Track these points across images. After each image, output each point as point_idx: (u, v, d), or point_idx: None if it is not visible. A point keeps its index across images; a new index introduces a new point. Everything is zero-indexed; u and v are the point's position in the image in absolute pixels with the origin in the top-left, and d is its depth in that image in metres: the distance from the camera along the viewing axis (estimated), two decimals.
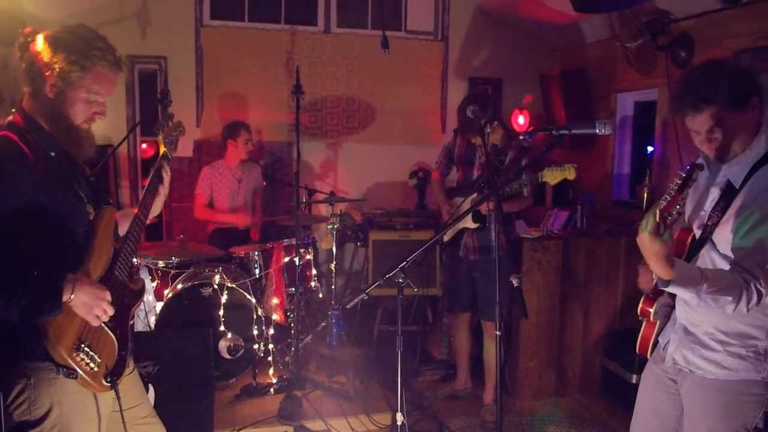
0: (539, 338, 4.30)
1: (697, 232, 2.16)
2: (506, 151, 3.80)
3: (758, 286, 1.91)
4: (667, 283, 1.91)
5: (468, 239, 3.93)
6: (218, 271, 4.17)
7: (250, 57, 5.63)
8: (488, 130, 3.51)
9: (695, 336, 2.18)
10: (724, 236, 2.04)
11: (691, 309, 2.18)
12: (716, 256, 2.08)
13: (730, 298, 1.91)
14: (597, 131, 2.20)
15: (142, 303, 4.05)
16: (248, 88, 5.68)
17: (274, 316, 4.33)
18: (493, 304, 2.57)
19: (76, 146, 1.99)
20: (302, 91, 4.31)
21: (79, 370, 1.86)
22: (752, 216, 1.94)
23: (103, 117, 2.04)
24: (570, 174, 3.34)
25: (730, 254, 2.02)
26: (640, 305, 2.22)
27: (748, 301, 1.92)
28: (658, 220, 1.85)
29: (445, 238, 4.05)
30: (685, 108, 2.05)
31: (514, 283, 2.64)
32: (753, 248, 1.93)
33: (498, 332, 2.59)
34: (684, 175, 1.89)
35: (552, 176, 3.40)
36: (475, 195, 3.76)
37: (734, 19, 4.17)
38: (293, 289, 4.39)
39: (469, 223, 3.86)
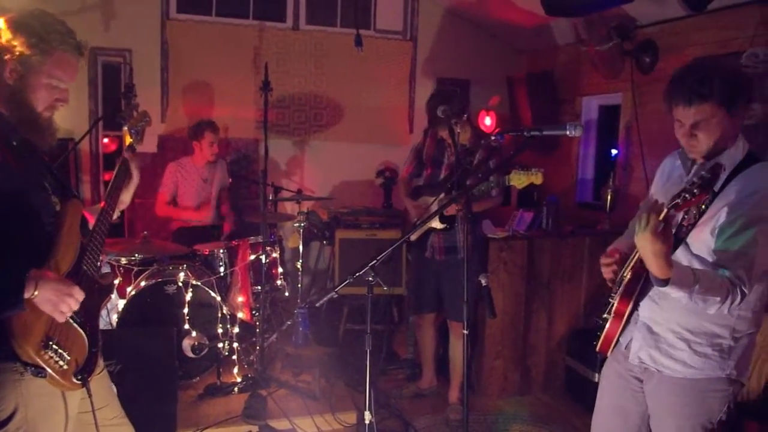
0: (504, 337, 4.33)
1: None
2: (475, 151, 3.82)
3: (743, 288, 1.94)
4: (664, 282, 1.91)
5: (434, 239, 3.94)
6: (182, 269, 4.11)
7: (217, 52, 5.56)
8: (458, 130, 3.52)
9: (659, 335, 2.21)
10: (701, 238, 2.06)
11: (658, 308, 2.20)
12: (692, 258, 2.10)
13: (718, 299, 1.94)
14: (567, 133, 2.21)
15: None
16: (215, 83, 5.61)
17: (240, 315, 4.28)
18: (460, 304, 2.57)
19: (38, 135, 1.93)
20: (270, 87, 4.28)
21: (47, 368, 1.80)
22: (737, 221, 1.96)
23: (66, 104, 1.98)
24: (537, 179, 3.35)
25: (706, 256, 2.04)
26: (615, 305, 2.21)
27: (732, 302, 1.95)
28: (662, 218, 1.84)
29: (413, 238, 4.04)
30: (678, 99, 2.06)
31: (483, 282, 2.65)
32: (738, 252, 1.96)
33: (465, 331, 2.60)
34: (706, 175, 1.82)
35: (519, 180, 3.42)
36: (442, 195, 3.76)
37: (697, 27, 4.27)
38: (259, 287, 4.36)
39: (436, 223, 3.87)
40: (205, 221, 4.93)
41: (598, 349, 2.37)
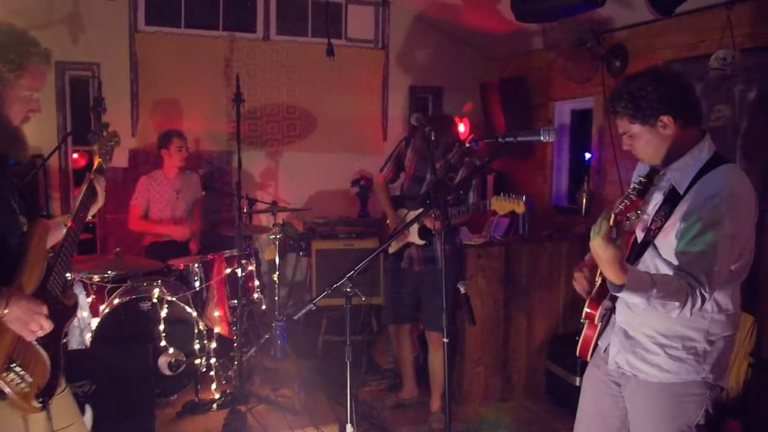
0: (484, 344, 4.35)
1: (640, 235, 2.20)
2: (458, 168, 3.81)
3: (703, 291, 1.96)
4: (619, 288, 1.94)
5: (412, 250, 3.94)
6: (157, 285, 4.07)
7: (187, 64, 5.52)
8: (432, 138, 3.52)
9: (635, 339, 2.22)
10: (667, 241, 2.08)
11: (631, 312, 2.22)
12: (659, 261, 2.12)
13: (677, 303, 1.95)
14: (542, 138, 2.24)
15: (77, 319, 3.92)
16: (185, 96, 5.57)
17: (217, 329, 4.25)
18: (439, 313, 2.58)
19: (16, 149, 1.92)
20: (242, 99, 4.26)
21: (8, 390, 1.76)
22: (697, 223, 1.98)
23: (39, 114, 1.98)
24: (519, 207, 3.35)
25: (673, 259, 2.06)
26: (585, 309, 2.24)
27: (693, 306, 1.96)
28: (611, 224, 1.87)
29: (391, 250, 4.04)
30: (607, 112, 2.19)
31: (461, 289, 2.65)
32: (698, 255, 1.97)
33: (446, 339, 2.60)
34: (643, 179, 1.92)
35: (500, 206, 3.42)
36: (421, 211, 3.75)
37: (667, 30, 4.35)
38: (236, 301, 4.33)
39: (415, 239, 3.88)
40: (180, 237, 4.88)
41: (577, 353, 2.39)
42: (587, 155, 5.31)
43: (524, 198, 3.32)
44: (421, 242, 3.86)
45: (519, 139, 2.29)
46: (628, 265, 1.94)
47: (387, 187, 4.14)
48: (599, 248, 1.88)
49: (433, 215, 3.50)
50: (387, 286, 4.22)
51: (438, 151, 3.71)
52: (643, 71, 2.14)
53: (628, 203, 1.90)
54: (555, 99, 5.64)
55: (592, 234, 1.91)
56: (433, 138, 3.35)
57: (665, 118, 2.06)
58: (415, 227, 3.84)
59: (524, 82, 5.88)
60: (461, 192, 3.61)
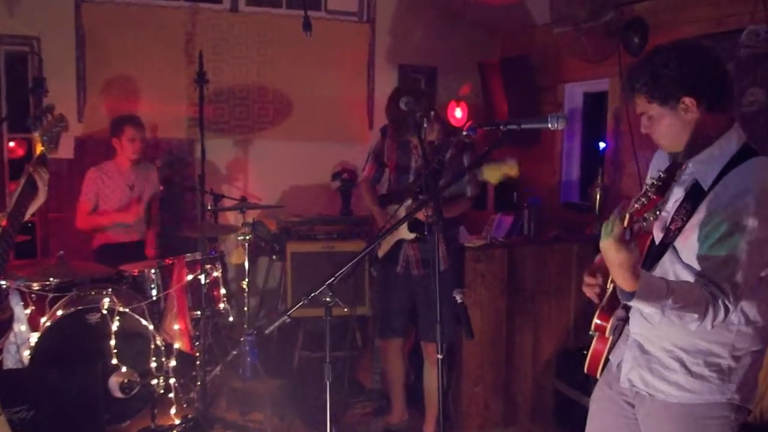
0: (484, 360, 4.35)
1: (658, 236, 2.20)
2: (445, 149, 3.83)
3: (726, 302, 1.95)
4: (630, 296, 1.94)
5: (409, 251, 3.95)
6: (107, 294, 4.05)
7: (142, 39, 5.49)
8: (425, 125, 3.53)
9: (651, 354, 2.23)
10: (689, 244, 2.08)
11: (648, 323, 2.22)
12: (680, 267, 2.12)
13: (696, 315, 1.96)
14: (549, 125, 2.24)
15: (13, 335, 3.88)
16: (140, 75, 5.54)
17: (177, 345, 4.23)
18: (436, 324, 2.58)
19: None
20: (206, 79, 4.24)
21: None
22: (723, 224, 1.98)
23: None
24: (512, 170, 3.39)
25: (696, 264, 2.06)
26: (595, 319, 2.24)
27: (714, 318, 1.96)
28: (626, 224, 1.88)
29: (380, 253, 4.04)
30: (624, 89, 2.19)
31: (458, 298, 2.66)
32: (722, 260, 1.97)
33: (440, 355, 2.60)
34: (663, 174, 1.92)
35: (492, 174, 3.45)
36: (410, 202, 3.77)
37: (691, 3, 4.36)
38: (198, 312, 4.31)
39: (405, 233, 3.88)
40: (132, 220, 4.88)
41: (585, 369, 2.39)
42: (601, 145, 5.33)
43: (515, 160, 3.35)
44: (411, 236, 3.85)
45: (523, 126, 2.29)
46: (641, 271, 1.95)
47: (372, 187, 4.15)
48: (610, 251, 1.90)
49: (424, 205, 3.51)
50: (376, 294, 4.22)
51: (411, 127, 3.70)
52: (668, 45, 2.13)
53: (645, 202, 1.90)
54: (565, 80, 5.65)
55: (602, 234, 1.92)
56: (425, 125, 3.35)
57: (687, 100, 2.06)
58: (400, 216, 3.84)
59: (529, 61, 5.89)
60: (455, 180, 3.62)
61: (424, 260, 3.92)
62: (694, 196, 2.10)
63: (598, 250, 2.43)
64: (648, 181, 2.01)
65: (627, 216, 1.88)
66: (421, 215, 3.66)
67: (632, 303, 1.97)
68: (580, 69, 5.32)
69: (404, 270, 3.97)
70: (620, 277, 1.93)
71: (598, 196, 4.87)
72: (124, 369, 3.98)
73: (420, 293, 3.98)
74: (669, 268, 2.15)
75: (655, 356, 2.22)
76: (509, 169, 3.42)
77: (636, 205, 1.90)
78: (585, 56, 4.97)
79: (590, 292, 2.28)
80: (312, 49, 5.86)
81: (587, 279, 2.28)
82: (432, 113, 3.80)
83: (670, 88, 2.07)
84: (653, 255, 2.19)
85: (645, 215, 1.91)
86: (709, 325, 1.99)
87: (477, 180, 3.92)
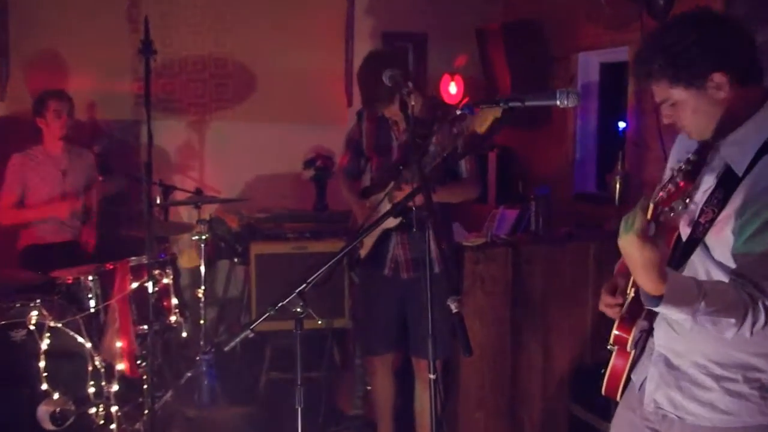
0: (486, 380, 4.35)
1: (685, 232, 2.20)
2: (430, 123, 3.80)
3: (767, 304, 1.95)
4: (656, 300, 1.93)
5: (397, 251, 3.93)
6: (35, 306, 4.01)
7: (76, 2, 5.47)
8: (412, 102, 3.52)
9: (680, 370, 2.22)
10: (722, 239, 2.07)
11: (675, 333, 2.21)
12: (712, 266, 2.12)
13: (733, 320, 1.95)
14: (558, 103, 2.23)
15: None
16: (74, 46, 5.53)
17: (119, 366, 4.21)
18: (432, 337, 2.57)
19: None
20: (153, 50, 4.21)
21: None
22: (759, 215, 1.98)
23: None
24: (496, 112, 3.36)
25: (730, 262, 2.06)
26: (614, 331, 2.23)
27: (754, 323, 1.95)
28: (649, 217, 1.86)
29: (362, 252, 4.02)
30: (637, 75, 2.18)
31: (453, 307, 2.64)
32: (761, 256, 1.97)
33: (432, 375, 2.59)
34: (692, 158, 1.89)
35: (480, 122, 3.41)
36: (392, 184, 3.75)
37: None
38: (145, 326, 4.29)
39: (389, 221, 3.83)
40: (65, 215, 4.87)
41: (603, 391, 2.39)
42: (621, 124, 5.34)
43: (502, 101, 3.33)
44: (395, 222, 3.82)
45: (528, 104, 2.28)
46: (669, 271, 1.94)
47: (349, 177, 4.15)
48: (631, 248, 1.89)
49: (406, 182, 3.49)
50: (359, 303, 4.21)
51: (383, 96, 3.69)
52: (675, 19, 2.13)
53: (673, 189, 1.88)
54: (578, 49, 5.66)
55: (621, 229, 1.91)
56: (412, 103, 3.34)
57: (717, 76, 2.05)
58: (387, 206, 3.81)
59: (537, 26, 5.90)
60: (446, 161, 3.59)
61: (415, 261, 3.90)
62: (727, 183, 2.09)
63: (618, 250, 2.44)
64: (673, 165, 1.99)
65: (651, 206, 1.87)
66: (401, 194, 3.61)
67: (659, 309, 1.96)
68: (597, 36, 5.33)
69: (393, 273, 3.96)
70: (644, 279, 1.92)
71: (617, 186, 4.86)
72: (56, 396, 3.93)
73: (411, 300, 3.96)
74: (699, 268, 2.14)
75: (684, 372, 2.22)
76: (494, 111, 3.39)
77: (662, 194, 1.88)
78: (602, 21, 4.97)
79: (611, 312, 2.28)
80: (280, 14, 5.87)
81: (606, 299, 2.28)
82: (409, 83, 3.80)
83: (696, 66, 2.05)
84: (680, 253, 2.18)
85: (672, 205, 1.89)
86: (748, 333, 1.98)
87: (474, 161, 3.90)
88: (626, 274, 2.25)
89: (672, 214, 1.89)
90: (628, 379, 2.35)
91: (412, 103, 3.44)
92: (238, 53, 5.93)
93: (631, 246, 1.89)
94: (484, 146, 3.59)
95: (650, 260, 1.88)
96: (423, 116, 3.85)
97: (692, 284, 1.96)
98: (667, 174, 2.16)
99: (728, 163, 2.11)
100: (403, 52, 3.95)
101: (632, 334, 2.20)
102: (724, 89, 2.07)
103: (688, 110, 2.11)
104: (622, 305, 2.25)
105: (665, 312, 1.98)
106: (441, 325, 2.65)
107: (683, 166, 1.94)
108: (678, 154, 2.36)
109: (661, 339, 2.28)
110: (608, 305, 2.28)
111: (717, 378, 2.16)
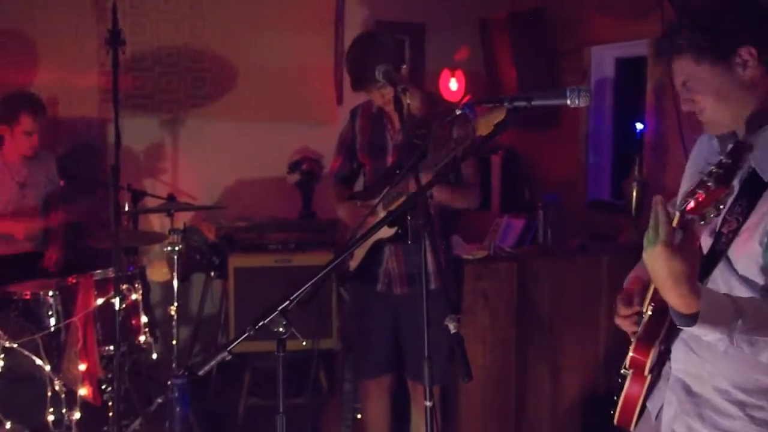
0: (487, 409, 4.36)
1: (706, 243, 2.20)
2: (429, 122, 3.81)
3: None
4: (690, 319, 1.91)
5: (390, 264, 3.93)
6: None
7: None
8: (408, 101, 3.53)
9: (702, 397, 2.22)
10: (747, 251, 2.06)
11: (696, 356, 2.22)
12: (736, 282, 2.11)
13: None
14: (568, 102, 2.23)
15: None
16: (34, 34, 5.52)
17: (81, 391, 4.20)
18: (429, 360, 2.58)
19: None
20: (122, 40, 4.22)
21: None
22: None
23: None
24: (500, 112, 3.38)
25: (757, 277, 2.06)
26: (630, 353, 2.23)
27: None
28: (675, 224, 1.85)
29: (352, 264, 4.03)
30: (661, 51, 2.18)
31: (451, 328, 2.65)
32: None
33: (428, 402, 2.60)
34: (726, 159, 1.86)
35: (486, 125, 3.42)
36: (387, 190, 3.75)
37: None
38: (111, 347, 4.29)
39: (383, 230, 3.84)
40: (23, 235, 4.85)
41: (616, 420, 2.39)
42: (639, 126, 5.35)
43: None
44: (391, 231, 3.83)
45: (535, 103, 2.28)
46: (702, 287, 1.92)
47: (341, 182, 4.14)
48: (659, 262, 1.86)
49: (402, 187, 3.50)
50: (350, 321, 4.20)
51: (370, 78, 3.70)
52: None
53: (703, 195, 1.83)
54: (592, 42, 5.67)
55: (646, 240, 1.88)
56: (408, 102, 3.35)
57: (745, 51, 2.06)
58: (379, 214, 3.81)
59: (546, 16, 5.91)
60: (443, 153, 3.60)
61: (409, 276, 3.91)
62: (752, 189, 2.08)
63: (635, 263, 2.44)
64: (700, 169, 1.97)
65: (677, 215, 1.86)
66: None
67: (694, 330, 1.93)
68: (612, 27, 5.34)
69: (386, 288, 3.96)
70: (674, 296, 1.89)
71: (634, 193, 4.88)
72: (8, 425, 3.94)
73: (405, 318, 3.96)
74: (720, 284, 2.14)
75: (705, 399, 2.21)
76: (499, 112, 3.40)
77: (691, 199, 1.84)
78: (617, 11, 4.99)
79: (626, 325, 2.27)
80: (263, 0, 5.86)
81: (621, 309, 2.28)
82: (403, 67, 3.80)
83: (725, 39, 2.06)
84: (701, 267, 2.13)
85: (704, 212, 1.85)
86: None
87: (475, 165, 3.90)
88: (641, 289, 2.26)
89: (702, 222, 1.85)
90: (644, 407, 2.36)
91: (408, 101, 3.45)
92: (216, 44, 5.93)
93: (658, 259, 1.85)
94: (486, 149, 3.58)
95: (681, 273, 1.85)
96: (421, 113, 3.86)
97: (727, 300, 1.95)
98: (694, 179, 2.09)
99: (753, 167, 2.08)
100: (394, 39, 3.95)
101: (650, 357, 2.20)
102: (752, 68, 2.06)
103: (710, 93, 2.12)
104: (639, 315, 2.25)
105: (700, 332, 1.95)
106: (439, 347, 2.66)
107: (714, 169, 1.87)
108: (700, 159, 2.35)
109: (679, 362, 2.28)
110: (624, 316, 2.27)
111: (741, 405, 2.15)
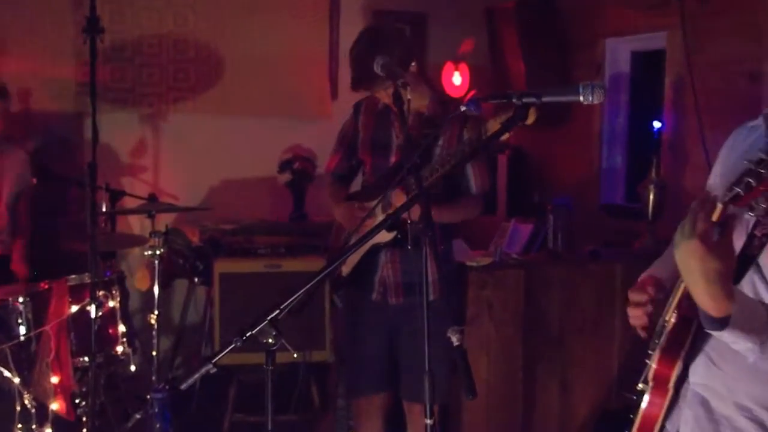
0: (492, 427, 4.36)
1: (737, 244, 2.17)
2: (439, 122, 3.81)
3: None
4: (721, 323, 1.89)
5: (386, 271, 3.92)
6: None
7: None
8: (408, 96, 3.53)
9: (719, 413, 2.21)
10: None
11: (717, 369, 2.20)
12: (764, 290, 2.09)
13: None
14: (581, 98, 2.23)
15: None
16: (4, 20, 5.52)
17: (53, 406, 4.19)
18: (427, 376, 2.57)
19: None
20: (101, 28, 4.21)
21: None
22: None
23: None
24: (507, 111, 3.37)
25: None
26: (651, 364, 2.22)
27: None
28: (716, 218, 1.82)
29: (344, 270, 4.02)
30: None
31: (454, 340, 2.64)
32: None
33: (429, 421, 2.59)
34: None
35: (495, 125, 3.42)
36: (387, 190, 3.74)
37: None
38: (86, 358, 4.28)
39: (381, 235, 3.83)
40: None
41: None
42: (656, 124, 5.35)
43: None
44: (389, 236, 3.82)
45: (545, 100, 2.28)
46: (736, 289, 1.90)
47: (338, 181, 4.13)
48: (693, 259, 1.82)
49: (403, 188, 3.50)
50: (343, 334, 4.20)
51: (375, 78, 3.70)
52: None
53: (755, 184, 1.76)
54: (606, 34, 5.68)
55: (678, 237, 1.85)
56: (409, 97, 3.35)
57: None
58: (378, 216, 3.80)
59: (557, 6, 5.92)
60: (452, 172, 3.60)
61: (407, 285, 3.90)
62: None
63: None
64: (749, 158, 1.90)
65: (719, 207, 1.80)
66: (398, 199, 3.61)
67: (724, 335, 1.91)
68: (628, 18, 5.35)
69: (381, 297, 3.95)
70: (706, 297, 1.85)
71: (651, 197, 4.88)
72: None
73: (401, 331, 3.95)
74: (748, 290, 2.12)
75: (725, 416, 2.20)
76: (506, 112, 3.40)
77: (738, 190, 1.78)
78: (635, 1, 4.99)
79: (638, 315, 2.27)
80: None
81: (633, 296, 2.27)
82: (413, 64, 3.79)
83: None
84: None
85: (752, 203, 1.80)
86: None
87: (485, 167, 3.90)
88: (658, 281, 2.26)
89: (751, 214, 1.79)
90: (662, 426, 2.35)
91: (409, 97, 3.45)
92: (201, 33, 5.94)
93: (692, 256, 1.81)
94: (491, 148, 3.57)
95: (716, 273, 1.81)
96: (431, 114, 3.85)
97: (761, 307, 1.95)
98: (737, 168, 2.07)
99: None
100: (401, 32, 3.96)
101: (675, 370, 2.19)
102: None
103: None
104: (653, 302, 2.24)
105: (729, 339, 1.93)
106: (439, 362, 2.65)
107: (764, 157, 1.79)
108: (742, 146, 2.30)
109: (698, 376, 2.25)
110: (636, 304, 2.26)
111: (763, 425, 2.14)
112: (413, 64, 3.81)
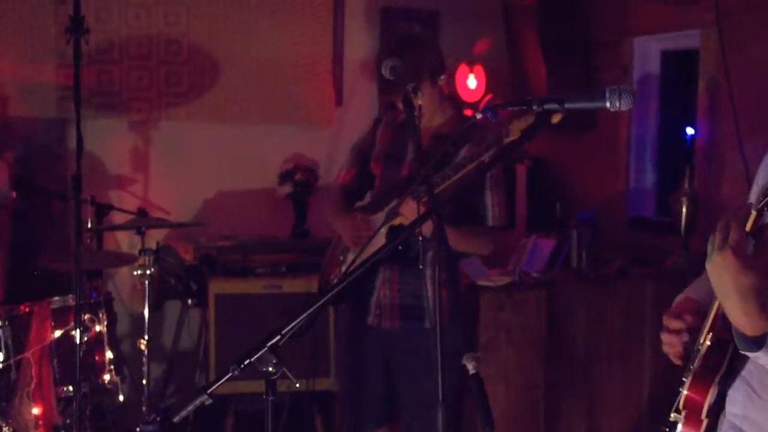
0: None
1: None
2: (458, 141, 3.81)
3: None
4: (757, 343, 1.89)
5: (383, 292, 3.90)
6: None
7: None
8: (419, 102, 3.54)
9: None
10: None
11: (761, 399, 2.17)
12: None
13: None
14: (608, 104, 2.23)
15: None
16: None
17: None
18: (425, 410, 2.57)
19: None
20: (85, 28, 4.23)
21: None
22: None
23: None
24: (528, 118, 3.37)
25: None
26: (684, 391, 2.22)
27: None
28: (749, 227, 1.83)
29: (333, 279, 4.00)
30: None
31: (470, 368, 2.65)
32: None
33: None
34: None
35: (517, 128, 3.42)
36: (394, 203, 3.74)
37: None
38: (71, 387, 4.29)
39: (377, 239, 3.80)
40: None
41: None
42: (690, 131, 5.35)
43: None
44: (384, 240, 3.80)
45: (569, 106, 2.28)
46: None
47: (344, 194, 4.11)
48: (726, 272, 1.83)
49: (415, 199, 3.48)
50: (343, 357, 4.20)
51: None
52: None
53: None
54: (634, 32, 5.69)
55: (711, 246, 1.85)
56: (419, 103, 3.35)
57: None
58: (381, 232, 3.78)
59: (580, 3, 5.93)
60: (464, 190, 3.60)
61: (404, 307, 3.87)
62: None
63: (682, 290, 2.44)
64: None
65: (752, 215, 1.82)
66: (407, 210, 3.58)
67: (759, 355, 1.91)
68: (658, 15, 5.35)
69: (376, 321, 3.93)
70: (739, 312, 1.86)
71: (684, 209, 4.87)
72: None
73: (398, 360, 3.93)
74: None
75: None
76: (528, 117, 3.40)
77: (764, 199, 1.80)
78: None
79: (674, 343, 2.27)
80: None
81: (669, 322, 2.27)
82: (441, 78, 3.80)
83: None
84: None
85: None
86: None
87: (504, 199, 3.88)
88: (694, 308, 2.25)
89: None
90: None
91: (419, 102, 3.46)
92: (195, 34, 5.95)
93: (725, 269, 1.82)
94: (510, 156, 3.55)
95: (751, 288, 1.81)
96: (449, 131, 3.84)
97: None
98: None
99: None
100: (426, 39, 3.97)
101: (709, 397, 2.18)
102: None
103: None
104: (690, 331, 2.23)
105: (766, 360, 1.93)
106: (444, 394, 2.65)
107: None
108: None
109: (737, 406, 2.24)
110: (673, 331, 2.26)
111: None
112: (442, 77, 3.81)
